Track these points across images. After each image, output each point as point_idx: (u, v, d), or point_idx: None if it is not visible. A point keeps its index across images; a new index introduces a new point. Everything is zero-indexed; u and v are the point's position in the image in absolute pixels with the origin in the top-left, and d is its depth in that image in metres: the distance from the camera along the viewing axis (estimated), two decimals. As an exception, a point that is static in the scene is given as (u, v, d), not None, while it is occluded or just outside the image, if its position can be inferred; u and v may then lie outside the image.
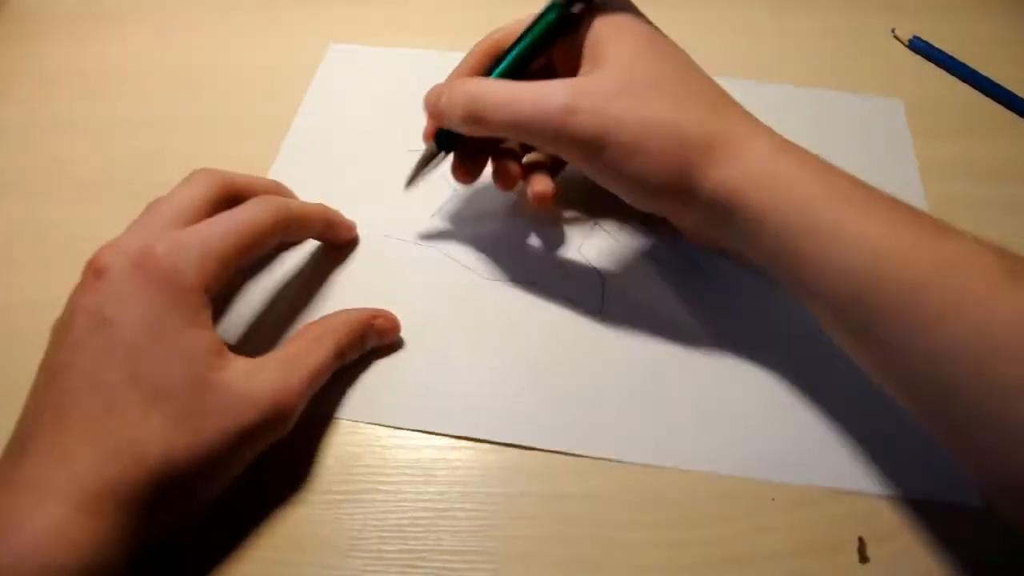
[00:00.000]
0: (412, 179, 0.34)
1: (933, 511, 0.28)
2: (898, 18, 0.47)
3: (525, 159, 0.35)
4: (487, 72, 0.31)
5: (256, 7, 0.47)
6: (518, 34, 0.31)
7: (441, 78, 0.33)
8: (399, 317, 0.32)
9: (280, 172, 0.39)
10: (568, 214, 0.37)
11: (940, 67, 0.44)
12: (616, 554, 0.27)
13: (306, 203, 0.34)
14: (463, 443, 0.30)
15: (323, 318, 0.31)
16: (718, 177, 0.27)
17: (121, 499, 0.23)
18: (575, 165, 0.30)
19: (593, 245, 0.36)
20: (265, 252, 0.30)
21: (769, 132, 0.29)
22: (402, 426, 0.30)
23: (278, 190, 0.34)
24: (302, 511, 0.28)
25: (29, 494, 0.22)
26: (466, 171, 0.34)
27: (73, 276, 0.34)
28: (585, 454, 0.30)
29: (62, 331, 0.25)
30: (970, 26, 0.47)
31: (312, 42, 0.45)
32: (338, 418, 0.30)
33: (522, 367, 0.32)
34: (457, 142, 0.32)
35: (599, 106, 0.27)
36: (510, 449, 0.30)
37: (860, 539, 0.28)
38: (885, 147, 0.40)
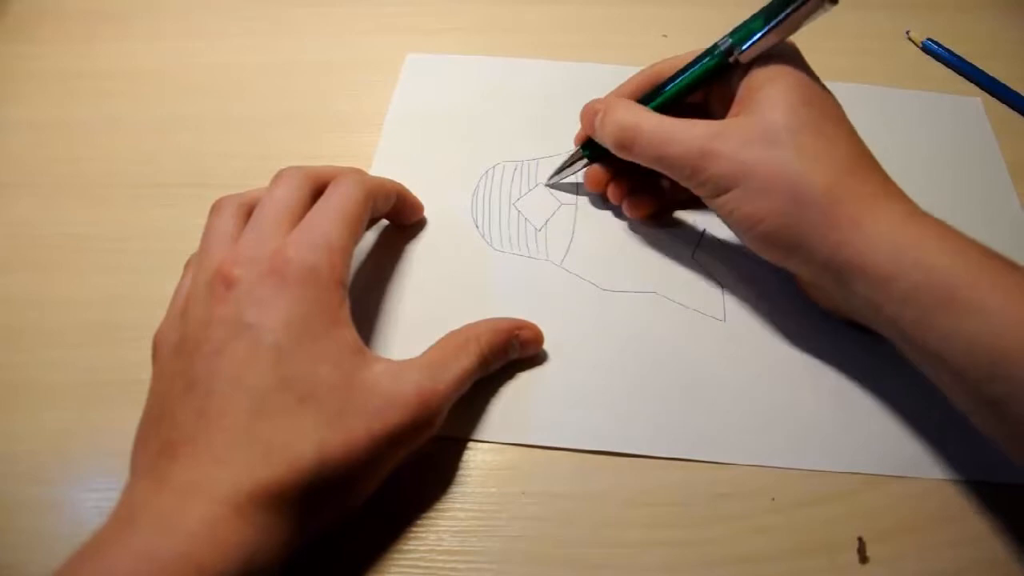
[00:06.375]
0: (554, 177, 0.37)
1: (932, 511, 0.28)
2: (913, 20, 0.47)
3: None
4: (644, 99, 0.33)
5: (255, 6, 0.47)
6: (677, 68, 0.33)
7: (524, 84, 0.38)
8: None
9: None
10: (677, 216, 0.37)
11: (953, 70, 0.44)
12: (616, 554, 0.27)
13: (377, 176, 0.34)
14: (463, 443, 0.30)
15: (468, 325, 0.30)
16: (839, 239, 0.27)
17: (274, 501, 0.23)
18: (704, 201, 0.31)
19: (704, 252, 0.36)
20: (364, 231, 0.30)
21: (902, 197, 0.28)
22: (535, 444, 0.30)
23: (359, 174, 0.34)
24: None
25: (184, 494, 0.22)
26: (599, 181, 0.36)
27: (76, 275, 0.35)
28: (718, 460, 0.29)
29: (192, 343, 0.25)
30: (985, 29, 0.47)
31: (318, 40, 0.45)
32: (476, 439, 0.30)
33: (648, 377, 0.32)
34: (603, 154, 0.34)
35: (733, 150, 0.28)
36: (510, 449, 0.30)
37: (860, 539, 0.28)
38: (971, 147, 0.40)
